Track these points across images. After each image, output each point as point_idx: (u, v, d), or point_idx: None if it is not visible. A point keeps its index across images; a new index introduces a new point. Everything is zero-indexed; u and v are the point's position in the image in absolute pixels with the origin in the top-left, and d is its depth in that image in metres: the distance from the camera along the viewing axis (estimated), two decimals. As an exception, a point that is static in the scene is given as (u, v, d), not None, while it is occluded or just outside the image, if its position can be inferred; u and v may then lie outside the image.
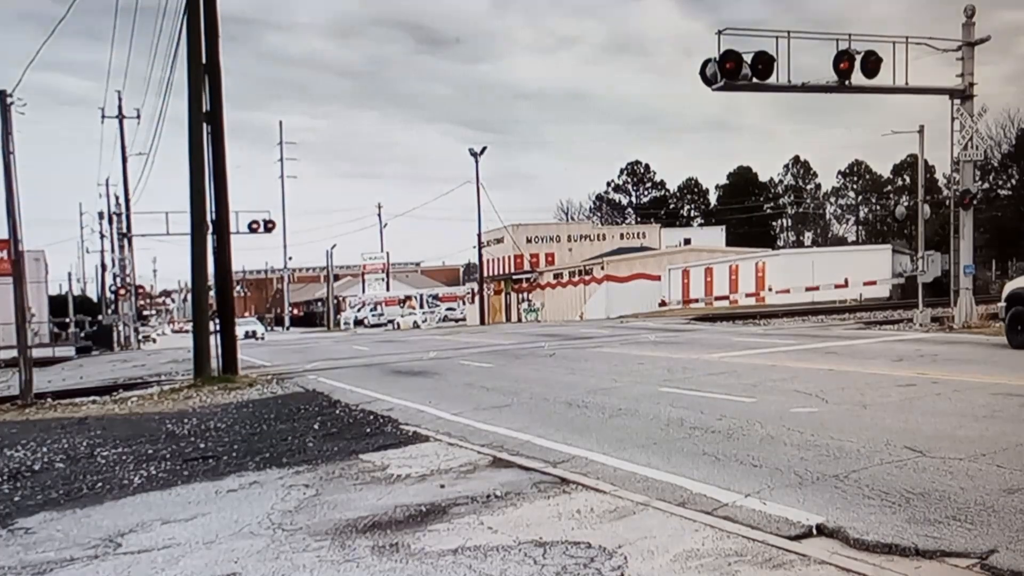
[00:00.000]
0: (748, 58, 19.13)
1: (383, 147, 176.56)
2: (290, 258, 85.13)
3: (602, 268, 55.33)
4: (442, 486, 6.97)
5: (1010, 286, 17.56)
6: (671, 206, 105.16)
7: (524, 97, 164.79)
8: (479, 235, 60.72)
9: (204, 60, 17.84)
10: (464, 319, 69.98)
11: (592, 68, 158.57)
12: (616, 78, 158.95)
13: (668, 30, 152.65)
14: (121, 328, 48.05)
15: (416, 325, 62.59)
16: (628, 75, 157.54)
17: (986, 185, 58.79)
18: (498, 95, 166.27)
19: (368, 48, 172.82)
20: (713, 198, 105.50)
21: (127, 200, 48.41)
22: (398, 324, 63.50)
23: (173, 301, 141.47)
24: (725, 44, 19.25)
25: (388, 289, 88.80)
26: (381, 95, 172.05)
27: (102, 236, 59.58)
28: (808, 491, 6.18)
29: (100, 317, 51.00)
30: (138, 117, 47.83)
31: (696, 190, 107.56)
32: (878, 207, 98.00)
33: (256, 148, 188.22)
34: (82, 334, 46.64)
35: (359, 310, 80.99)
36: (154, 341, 58.21)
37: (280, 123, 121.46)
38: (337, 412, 11.99)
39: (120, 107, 49.40)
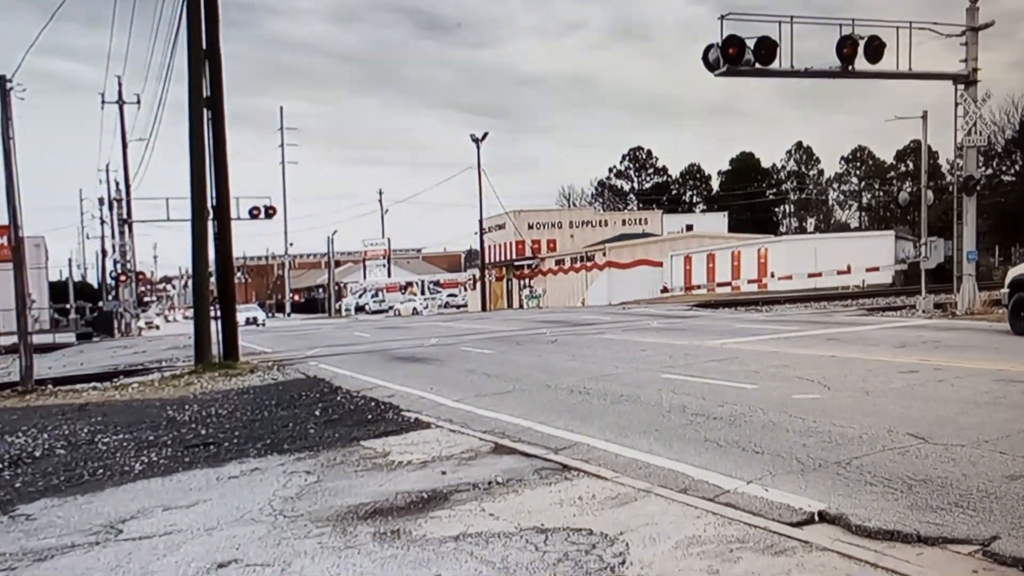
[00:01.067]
0: (751, 43, 19.03)
1: (385, 133, 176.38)
2: (291, 244, 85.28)
3: (604, 254, 55.28)
4: (443, 473, 6.97)
5: (1013, 272, 17.50)
6: (673, 192, 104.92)
7: (526, 83, 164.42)
8: (480, 221, 60.65)
9: (204, 45, 17.75)
10: (465, 305, 70.04)
11: (595, 53, 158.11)
12: (619, 63, 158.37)
13: (672, 15, 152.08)
14: (122, 314, 48.09)
15: (415, 311, 62.57)
16: (631, 60, 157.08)
17: (989, 171, 58.61)
18: (500, 80, 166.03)
19: (370, 33, 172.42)
20: (715, 184, 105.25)
21: (127, 186, 48.44)
22: (397, 311, 63.47)
23: (174, 287, 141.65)
24: (728, 29, 19.17)
25: (389, 275, 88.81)
26: (383, 80, 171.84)
27: (102, 222, 59.64)
28: (810, 478, 6.17)
29: (100, 303, 51.01)
30: (138, 103, 47.78)
31: (698, 176, 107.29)
32: (881, 193, 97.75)
33: (257, 134, 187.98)
34: (82, 320, 46.65)
35: (360, 296, 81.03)
36: (157, 328, 58.16)
37: (281, 108, 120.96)
38: (338, 399, 11.99)
39: (120, 92, 49.33)
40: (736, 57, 18.98)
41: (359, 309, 75.16)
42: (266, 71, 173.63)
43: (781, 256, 44.15)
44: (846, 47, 19.92)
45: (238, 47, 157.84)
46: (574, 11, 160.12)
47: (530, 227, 67.62)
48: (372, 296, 78.83)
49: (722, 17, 19.35)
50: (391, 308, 67.26)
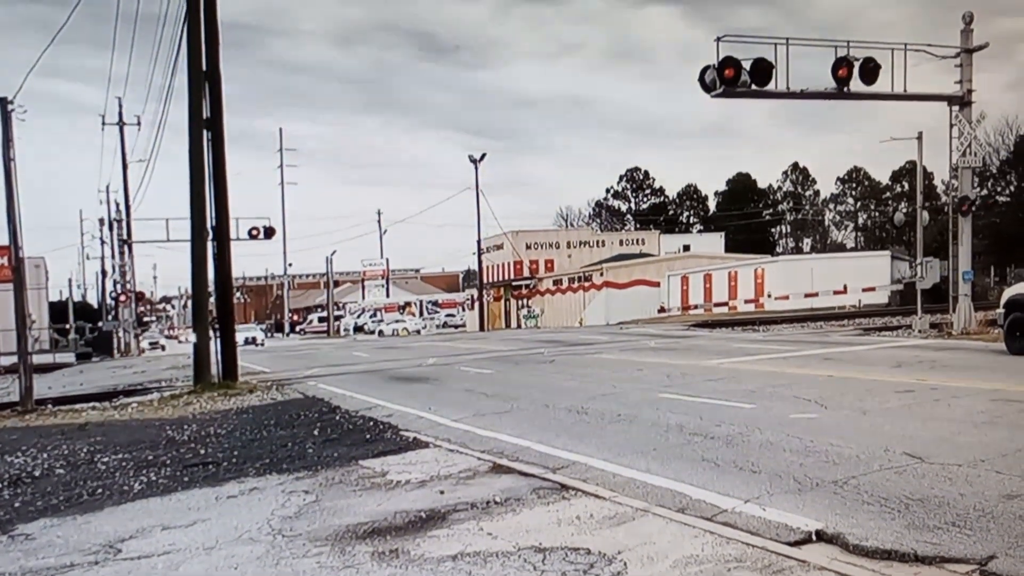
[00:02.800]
0: (747, 65, 19.20)
1: (384, 153, 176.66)
2: (290, 264, 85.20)
3: (601, 274, 55.37)
4: (442, 492, 6.98)
5: (1008, 292, 17.56)
6: (670, 212, 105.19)
7: (525, 104, 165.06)
8: (479, 241, 60.78)
9: (204, 67, 17.86)
10: (464, 325, 69.99)
11: (593, 75, 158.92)
12: (617, 85, 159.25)
13: (669, 37, 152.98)
14: (121, 334, 48.03)
15: (407, 331, 62.24)
16: (629, 82, 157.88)
17: (984, 191, 58.74)
18: (499, 102, 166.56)
19: (371, 55, 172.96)
20: (712, 204, 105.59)
21: (127, 206, 48.52)
22: (396, 331, 62.94)
23: (174, 307, 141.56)
24: (724, 51, 19.35)
25: (388, 295, 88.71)
26: (383, 102, 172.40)
27: (103, 242, 59.66)
28: (807, 497, 6.19)
29: (100, 323, 50.99)
30: (139, 124, 47.96)
31: (695, 196, 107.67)
32: (877, 213, 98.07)
33: (257, 155, 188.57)
34: (82, 340, 46.60)
35: (359, 316, 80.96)
36: (162, 348, 57.52)
37: (280, 130, 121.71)
38: (337, 418, 12.00)
39: (121, 114, 49.51)
40: (732, 79, 19.13)
41: (358, 329, 75.08)
42: (267, 92, 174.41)
43: (777, 276, 44.25)
44: (841, 69, 20.07)
45: (239, 69, 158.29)
46: (572, 33, 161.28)
47: (528, 247, 67.81)
48: (371, 316, 78.75)
49: (718, 39, 19.55)
50: (390, 328, 67.12)
